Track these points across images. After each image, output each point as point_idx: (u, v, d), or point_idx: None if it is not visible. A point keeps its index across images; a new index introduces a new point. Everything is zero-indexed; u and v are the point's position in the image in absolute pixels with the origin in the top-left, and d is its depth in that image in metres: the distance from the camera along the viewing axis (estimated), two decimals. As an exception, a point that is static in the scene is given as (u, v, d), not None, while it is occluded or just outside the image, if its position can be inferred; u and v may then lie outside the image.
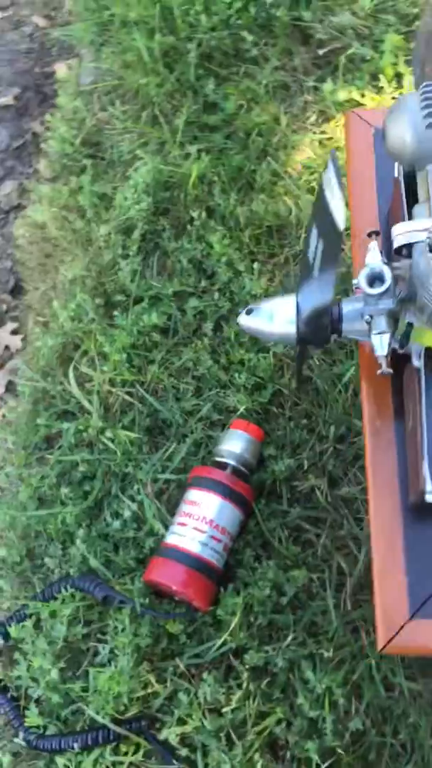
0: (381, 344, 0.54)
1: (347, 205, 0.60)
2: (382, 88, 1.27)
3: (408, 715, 0.89)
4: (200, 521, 0.94)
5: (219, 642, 0.92)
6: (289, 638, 0.92)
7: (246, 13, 1.34)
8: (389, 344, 0.54)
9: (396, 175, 0.58)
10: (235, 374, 1.07)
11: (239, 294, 1.12)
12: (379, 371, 0.56)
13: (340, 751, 0.86)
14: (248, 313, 0.61)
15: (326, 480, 1.01)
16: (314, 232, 0.57)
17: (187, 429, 1.05)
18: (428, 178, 0.52)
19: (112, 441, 1.05)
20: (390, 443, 0.59)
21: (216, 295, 1.13)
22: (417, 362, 0.55)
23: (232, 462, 0.99)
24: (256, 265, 1.14)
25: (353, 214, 0.68)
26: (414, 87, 0.89)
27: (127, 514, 0.99)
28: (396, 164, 0.58)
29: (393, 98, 1.26)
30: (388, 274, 0.53)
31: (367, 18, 1.33)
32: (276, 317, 0.58)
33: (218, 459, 1.00)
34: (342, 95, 1.27)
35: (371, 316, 0.54)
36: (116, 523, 0.99)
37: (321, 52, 1.33)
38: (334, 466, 1.02)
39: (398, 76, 1.29)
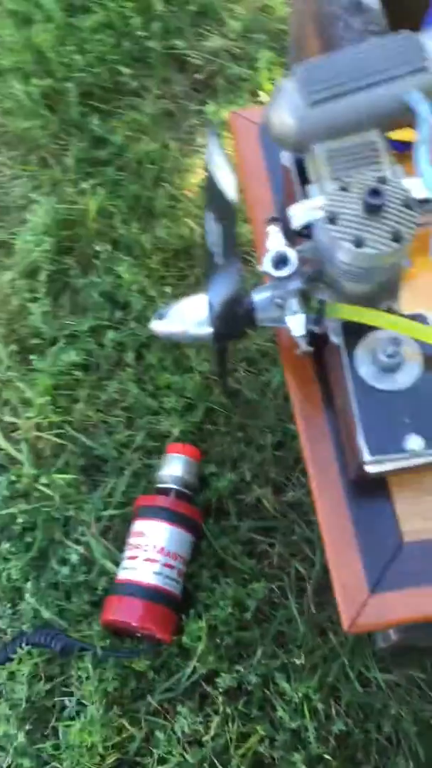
0: (296, 324, 0.54)
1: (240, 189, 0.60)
2: (263, 102, 1.31)
3: (388, 707, 0.89)
4: (151, 551, 0.91)
5: (188, 671, 0.89)
6: (259, 653, 0.91)
7: (119, 48, 1.36)
8: (304, 324, 0.54)
9: (283, 162, 0.59)
10: (164, 399, 1.06)
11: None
12: (298, 351, 0.56)
13: (327, 756, 0.84)
14: (160, 317, 0.60)
15: (270, 488, 1.01)
16: (210, 218, 0.57)
17: (124, 461, 1.03)
18: (315, 158, 0.53)
19: (48, 486, 1.02)
20: (322, 427, 0.59)
21: (133, 324, 1.12)
22: (335, 338, 0.55)
23: (174, 486, 0.97)
24: (168, 289, 1.14)
25: (251, 211, 0.69)
26: (288, 69, 0.90)
27: (74, 558, 0.96)
28: (283, 152, 0.58)
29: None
30: (292, 254, 0.53)
31: (238, 39, 1.37)
32: (188, 317, 0.57)
33: (160, 485, 0.98)
34: (225, 115, 1.30)
35: (283, 299, 0.54)
36: (64, 570, 0.96)
37: (199, 76, 1.36)
38: (276, 474, 1.01)
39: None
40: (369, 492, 0.57)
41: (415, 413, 0.54)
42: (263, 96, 1.31)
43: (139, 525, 0.94)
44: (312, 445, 0.60)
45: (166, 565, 0.91)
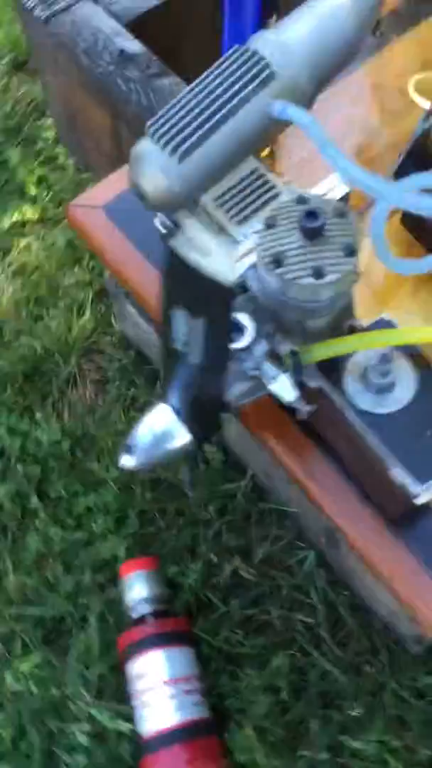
0: (284, 388, 0.49)
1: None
2: (34, 195, 1.26)
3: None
4: (160, 688, 0.82)
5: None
6: (315, 726, 0.84)
7: None
8: (292, 384, 0.49)
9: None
10: (91, 525, 0.97)
11: (41, 451, 1.02)
12: (300, 416, 0.50)
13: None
14: (129, 452, 0.52)
15: (239, 557, 0.95)
16: (179, 315, 0.49)
17: (82, 609, 0.93)
18: (206, 209, 0.47)
19: (18, 681, 0.89)
20: (335, 479, 0.55)
21: (19, 467, 1.02)
22: (314, 383, 0.50)
23: (147, 609, 0.88)
24: (39, 415, 1.06)
25: (150, 302, 0.63)
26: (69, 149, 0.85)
27: (84, 740, 0.85)
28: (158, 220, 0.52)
29: (51, 200, 1.25)
30: (243, 319, 0.47)
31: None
32: (160, 436, 0.50)
33: (132, 616, 0.89)
34: (6, 223, 1.24)
35: (256, 369, 0.49)
36: (80, 758, 0.84)
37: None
38: (236, 540, 0.95)
39: (41, 180, 1.28)
40: (415, 519, 0.54)
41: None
42: (31, 190, 1.25)
43: (133, 667, 0.85)
44: (334, 504, 0.56)
45: (183, 693, 0.82)
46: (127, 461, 0.53)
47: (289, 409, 0.57)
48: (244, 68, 0.46)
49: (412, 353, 0.52)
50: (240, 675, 0.87)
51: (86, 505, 0.98)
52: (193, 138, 0.46)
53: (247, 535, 0.96)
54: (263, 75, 0.46)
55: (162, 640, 0.85)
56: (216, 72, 0.47)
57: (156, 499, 0.98)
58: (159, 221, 0.47)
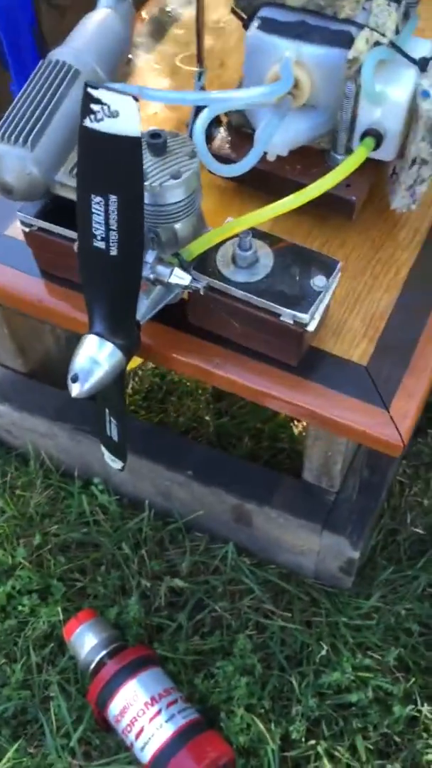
0: (181, 276, 0.64)
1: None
2: None
3: None
4: (144, 712, 0.83)
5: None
6: (295, 683, 0.88)
7: None
8: (183, 272, 0.65)
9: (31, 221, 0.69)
10: (18, 608, 0.96)
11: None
12: (201, 292, 0.66)
13: None
14: (75, 380, 0.61)
15: (168, 576, 0.98)
16: (96, 203, 0.58)
17: (41, 692, 0.91)
18: (65, 182, 0.62)
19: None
20: (238, 358, 0.72)
21: None
22: (201, 282, 0.65)
23: (102, 652, 0.89)
24: None
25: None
26: None
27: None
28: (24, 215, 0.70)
29: None
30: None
31: None
32: (95, 359, 0.62)
33: (92, 667, 0.89)
34: None
35: (153, 273, 0.63)
36: None
37: None
38: (159, 564, 0.99)
39: None
40: (313, 360, 0.73)
41: (296, 265, 0.68)
42: None
43: (113, 708, 0.84)
44: (247, 376, 0.72)
45: (168, 705, 0.83)
46: (76, 389, 0.62)
47: (178, 325, 0.73)
48: (55, 73, 0.65)
49: (254, 231, 0.68)
50: (213, 671, 0.90)
51: (6, 593, 0.97)
52: (36, 128, 0.62)
53: (167, 556, 1.01)
54: (71, 73, 0.65)
55: (128, 671, 0.86)
56: (35, 81, 0.65)
57: (71, 560, 1.00)
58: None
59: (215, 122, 0.76)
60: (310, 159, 0.76)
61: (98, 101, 0.50)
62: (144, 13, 1.00)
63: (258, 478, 0.93)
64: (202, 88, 0.76)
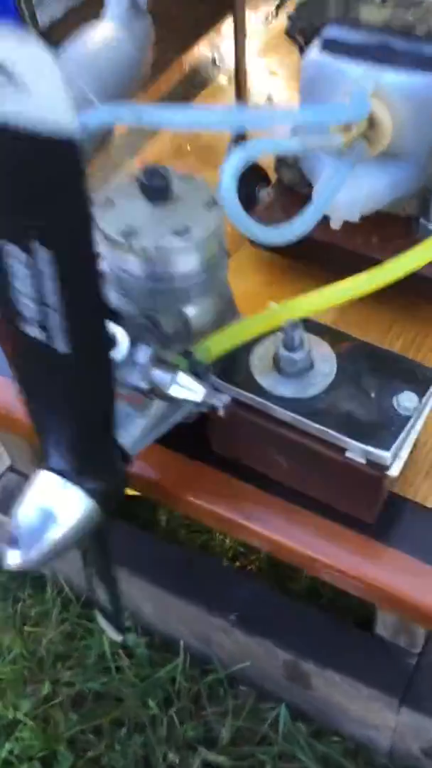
0: (189, 385, 0.40)
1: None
2: None
3: None
4: None
5: None
6: None
7: None
8: (194, 378, 0.41)
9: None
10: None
11: None
12: (221, 413, 0.42)
13: None
14: (14, 544, 0.40)
15: (203, 747, 0.78)
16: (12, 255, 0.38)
17: None
18: None
19: None
20: (284, 507, 0.47)
21: None
22: (223, 398, 0.42)
23: None
24: None
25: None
26: None
27: None
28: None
29: None
30: (114, 329, 0.39)
31: None
32: (50, 512, 0.39)
33: None
34: None
35: (145, 381, 0.40)
36: None
37: None
38: (193, 728, 0.79)
39: None
40: (394, 514, 0.46)
41: (371, 374, 0.46)
42: None
43: None
44: (296, 537, 0.47)
45: None
46: (13, 558, 0.40)
47: (196, 453, 0.50)
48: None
49: (308, 324, 0.47)
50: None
51: (2, 759, 0.79)
52: None
53: (204, 717, 0.81)
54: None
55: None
56: None
57: (84, 718, 0.81)
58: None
59: (261, 181, 0.61)
60: (391, 228, 0.57)
61: None
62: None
63: (318, 629, 0.73)
64: (242, 138, 0.58)
